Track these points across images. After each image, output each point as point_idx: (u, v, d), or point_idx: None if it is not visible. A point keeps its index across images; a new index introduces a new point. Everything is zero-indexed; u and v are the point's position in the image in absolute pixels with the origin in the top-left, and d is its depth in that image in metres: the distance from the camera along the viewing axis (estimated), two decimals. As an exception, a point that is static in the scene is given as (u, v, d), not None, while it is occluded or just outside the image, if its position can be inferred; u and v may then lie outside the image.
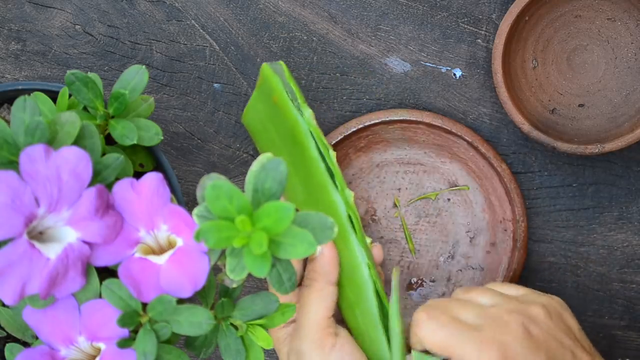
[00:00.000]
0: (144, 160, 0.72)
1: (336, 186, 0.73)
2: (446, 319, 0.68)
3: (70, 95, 0.68)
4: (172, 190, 0.71)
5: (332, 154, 0.74)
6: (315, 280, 0.71)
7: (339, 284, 0.73)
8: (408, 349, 0.73)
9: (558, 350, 0.68)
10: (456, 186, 0.86)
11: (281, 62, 0.76)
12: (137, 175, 0.64)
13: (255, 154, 0.86)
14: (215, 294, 0.65)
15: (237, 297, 0.65)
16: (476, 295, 0.71)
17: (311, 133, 0.74)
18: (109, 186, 0.61)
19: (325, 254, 0.71)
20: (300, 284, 0.74)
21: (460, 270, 0.86)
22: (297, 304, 0.71)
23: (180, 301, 0.61)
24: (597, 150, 0.81)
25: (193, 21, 0.85)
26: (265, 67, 0.75)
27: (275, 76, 0.74)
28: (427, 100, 0.86)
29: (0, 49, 0.85)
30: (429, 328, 0.68)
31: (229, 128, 0.86)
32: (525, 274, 0.86)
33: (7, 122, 0.68)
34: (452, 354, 0.67)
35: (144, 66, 0.68)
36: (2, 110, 0.75)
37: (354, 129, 0.84)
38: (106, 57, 0.85)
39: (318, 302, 0.71)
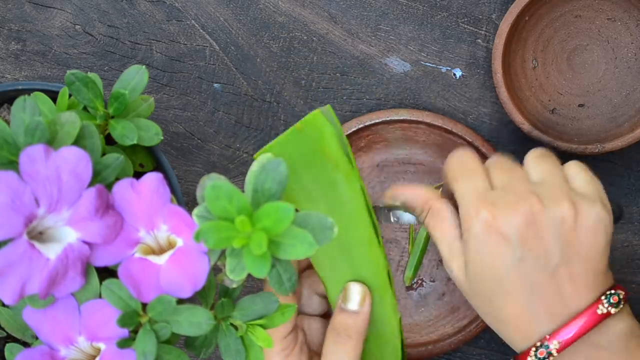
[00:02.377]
0: (144, 160, 0.72)
1: (379, 243, 0.70)
2: (468, 165, 0.70)
3: (70, 95, 0.68)
4: (172, 190, 0.71)
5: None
6: (350, 338, 0.69)
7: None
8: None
9: (540, 259, 0.67)
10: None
11: (330, 108, 0.70)
12: (137, 175, 0.64)
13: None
14: (215, 294, 0.65)
15: (237, 297, 0.65)
16: (532, 167, 0.71)
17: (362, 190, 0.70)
18: (109, 186, 0.61)
19: (365, 311, 0.69)
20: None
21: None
22: (322, 358, 0.69)
23: (180, 301, 0.61)
24: (597, 150, 0.81)
25: (193, 21, 0.85)
26: (319, 114, 0.68)
27: (330, 127, 0.68)
28: (427, 100, 0.86)
29: (0, 49, 0.85)
30: (455, 159, 0.70)
31: (229, 128, 0.86)
32: (525, 274, 0.86)
33: (7, 122, 0.68)
34: (455, 189, 0.69)
35: (144, 66, 0.68)
36: (2, 110, 0.75)
37: (354, 129, 0.84)
38: (106, 57, 0.85)
39: (354, 351, 0.69)
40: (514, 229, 0.66)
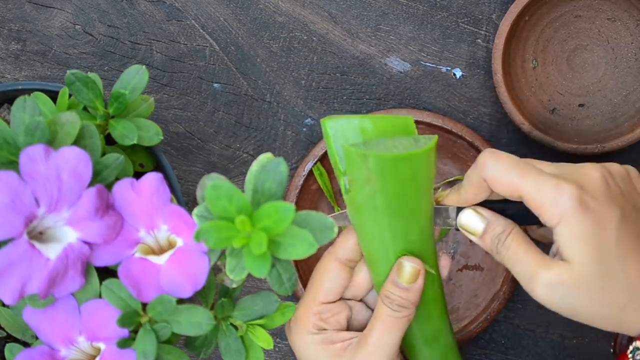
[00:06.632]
0: (144, 160, 0.72)
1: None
2: (519, 161, 0.65)
3: (70, 95, 0.68)
4: (172, 190, 0.71)
5: None
6: (406, 308, 0.68)
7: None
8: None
9: (632, 212, 0.65)
10: (454, 184, 0.86)
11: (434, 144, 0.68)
12: (137, 175, 0.64)
13: (256, 154, 0.86)
14: (215, 294, 0.65)
15: (237, 297, 0.65)
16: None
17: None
18: (109, 186, 0.61)
19: (420, 283, 0.68)
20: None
21: (461, 270, 0.86)
22: (374, 325, 0.68)
23: (180, 301, 0.61)
24: (597, 150, 0.81)
25: (193, 21, 0.85)
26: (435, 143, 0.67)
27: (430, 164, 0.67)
28: (427, 100, 0.86)
29: (0, 49, 0.85)
30: (499, 168, 0.65)
31: (229, 128, 0.86)
32: (525, 274, 0.86)
33: (7, 122, 0.68)
34: (523, 195, 0.64)
35: (144, 66, 0.68)
36: (2, 110, 0.75)
37: (354, 129, 0.84)
38: (106, 57, 0.85)
39: (403, 329, 0.68)
40: (601, 190, 0.64)
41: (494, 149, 0.67)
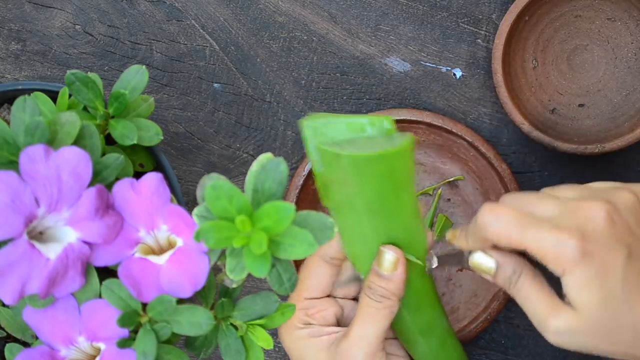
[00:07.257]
0: (144, 160, 0.72)
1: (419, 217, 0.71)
2: (519, 214, 0.65)
3: (70, 95, 0.68)
4: (172, 190, 0.71)
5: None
6: (387, 299, 0.68)
7: (411, 310, 0.72)
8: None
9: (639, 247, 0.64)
10: (455, 184, 0.86)
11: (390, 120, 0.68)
12: (137, 175, 0.64)
13: (256, 154, 0.86)
14: (215, 294, 0.65)
15: (237, 297, 0.65)
16: (562, 190, 0.68)
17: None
18: (109, 186, 0.61)
19: (400, 272, 0.68)
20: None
21: (461, 270, 0.86)
22: (357, 316, 0.69)
23: (180, 301, 0.61)
24: (597, 150, 0.81)
25: (193, 21, 0.85)
26: (411, 139, 0.66)
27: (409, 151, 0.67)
28: (427, 100, 0.86)
29: (0, 49, 0.85)
30: (498, 227, 0.65)
31: (229, 128, 0.86)
32: (525, 274, 0.86)
33: (7, 122, 0.68)
34: (526, 247, 0.64)
35: (144, 66, 0.68)
36: (2, 110, 0.75)
37: (354, 129, 0.84)
38: (106, 57, 0.85)
39: (386, 320, 0.69)
40: (605, 232, 0.63)
41: (491, 205, 0.66)
